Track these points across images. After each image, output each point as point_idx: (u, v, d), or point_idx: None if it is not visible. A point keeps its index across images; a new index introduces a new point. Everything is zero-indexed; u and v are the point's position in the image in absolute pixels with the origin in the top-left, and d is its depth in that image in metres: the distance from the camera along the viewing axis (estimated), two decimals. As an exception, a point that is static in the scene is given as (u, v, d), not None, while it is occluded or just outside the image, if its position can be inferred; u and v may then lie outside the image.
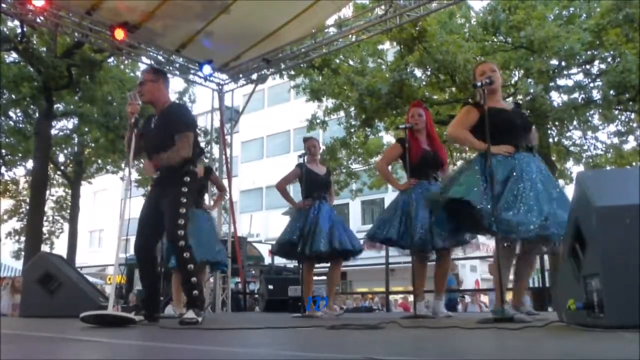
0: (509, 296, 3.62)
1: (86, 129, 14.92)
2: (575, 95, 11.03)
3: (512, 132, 3.23)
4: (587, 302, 2.16)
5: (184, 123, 3.64)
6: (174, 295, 5.48)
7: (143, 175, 14.79)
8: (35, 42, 11.89)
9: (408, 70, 11.19)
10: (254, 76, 8.95)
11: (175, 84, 15.84)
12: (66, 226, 16.98)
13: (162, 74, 3.97)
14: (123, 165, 16.37)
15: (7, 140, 14.16)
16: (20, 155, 15.31)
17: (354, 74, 11.62)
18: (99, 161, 16.84)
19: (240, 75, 8.82)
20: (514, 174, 3.10)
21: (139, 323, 3.34)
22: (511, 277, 3.47)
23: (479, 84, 3.23)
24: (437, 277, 4.32)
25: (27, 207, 13.86)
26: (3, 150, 14.67)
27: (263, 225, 26.15)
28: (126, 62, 13.85)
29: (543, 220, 2.91)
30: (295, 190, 5.46)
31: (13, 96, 12.69)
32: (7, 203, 18.02)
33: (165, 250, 5.26)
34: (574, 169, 12.92)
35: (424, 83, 11.80)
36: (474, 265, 20.83)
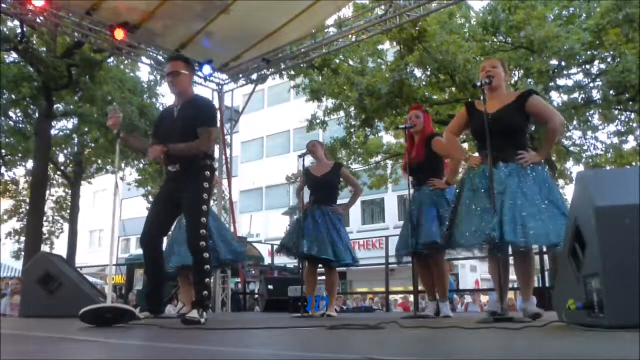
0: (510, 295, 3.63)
1: (86, 129, 14.94)
2: (575, 95, 11.05)
3: (484, 138, 3.10)
4: (587, 302, 2.16)
5: (211, 117, 3.55)
6: (184, 297, 5.43)
7: (143, 175, 14.80)
8: (35, 42, 11.90)
9: (408, 70, 11.20)
10: (254, 76, 8.94)
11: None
12: (66, 226, 16.99)
13: (192, 65, 3.87)
14: (123, 165, 16.39)
15: (7, 140, 14.17)
16: (20, 155, 15.33)
17: (354, 74, 11.63)
18: (99, 161, 16.86)
19: (240, 75, 8.82)
20: (476, 188, 3.18)
21: (143, 320, 3.33)
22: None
23: (478, 84, 3.22)
24: (434, 279, 4.34)
25: (27, 207, 13.87)
26: (3, 150, 14.69)
27: (263, 225, 26.16)
28: (126, 62, 13.86)
29: (490, 231, 2.94)
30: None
31: (13, 96, 12.70)
32: (7, 203, 18.04)
33: (166, 252, 5.24)
34: (574, 169, 12.93)
35: (423, 83, 11.82)
36: (474, 265, 20.86)
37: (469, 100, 3.39)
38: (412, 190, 4.34)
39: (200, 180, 3.46)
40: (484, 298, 11.96)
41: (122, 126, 3.61)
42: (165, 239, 5.37)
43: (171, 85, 3.60)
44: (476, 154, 3.46)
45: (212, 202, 6.90)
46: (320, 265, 4.95)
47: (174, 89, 3.61)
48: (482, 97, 3.19)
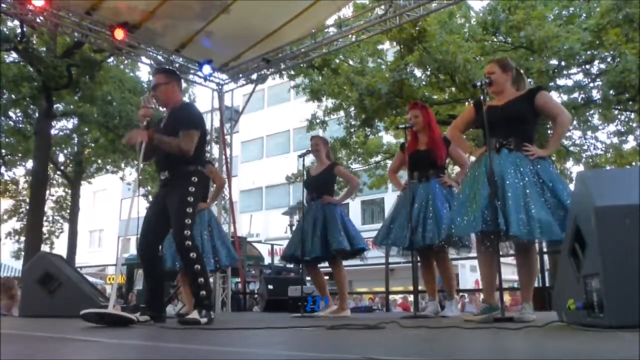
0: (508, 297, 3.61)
1: (86, 129, 14.94)
2: (575, 95, 11.04)
3: (490, 129, 3.13)
4: (587, 302, 2.16)
5: (189, 121, 3.61)
6: (185, 298, 5.43)
7: (144, 175, 14.80)
8: (35, 42, 11.89)
9: (408, 70, 11.19)
10: (254, 76, 8.94)
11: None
12: (66, 226, 16.99)
13: (175, 75, 3.93)
14: (123, 165, 16.40)
15: (7, 140, 14.17)
16: (20, 155, 15.34)
17: (354, 74, 11.62)
18: (99, 161, 16.86)
19: (240, 75, 8.82)
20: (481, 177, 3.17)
21: (145, 324, 3.33)
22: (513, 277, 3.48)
23: (478, 84, 3.25)
24: (442, 278, 4.36)
25: (27, 207, 13.87)
26: (3, 150, 14.69)
27: (263, 225, 26.15)
28: (126, 62, 13.86)
29: (484, 220, 2.95)
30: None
31: (13, 96, 12.70)
32: (7, 203, 18.03)
33: (165, 252, 5.25)
34: (574, 169, 12.92)
35: (423, 83, 11.81)
36: (474, 265, 20.83)
37: (478, 97, 3.37)
38: (412, 184, 4.29)
39: (187, 184, 3.55)
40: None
41: (152, 118, 3.68)
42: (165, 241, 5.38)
43: (155, 99, 3.71)
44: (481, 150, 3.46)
45: (214, 202, 6.89)
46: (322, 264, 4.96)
47: (157, 101, 3.74)
48: (482, 97, 3.23)
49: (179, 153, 3.52)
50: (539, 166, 3.10)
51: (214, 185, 5.54)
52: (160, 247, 3.76)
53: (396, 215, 4.31)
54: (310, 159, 5.10)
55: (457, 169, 4.87)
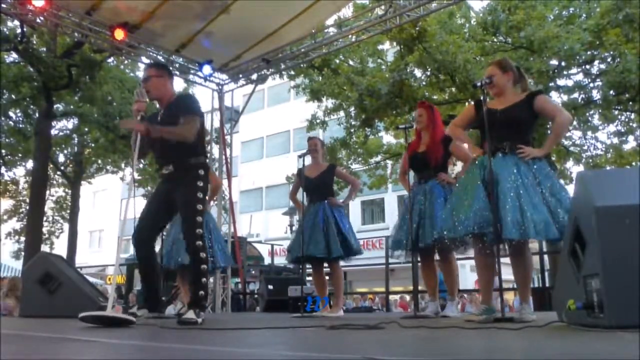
0: (509, 296, 3.60)
1: (86, 129, 14.94)
2: (575, 95, 11.04)
3: (489, 132, 3.12)
4: (587, 302, 2.16)
5: (189, 107, 3.53)
6: (184, 298, 5.43)
7: (143, 175, 14.81)
8: (35, 42, 11.89)
9: (408, 70, 11.20)
10: (254, 76, 8.95)
11: (175, 84, 15.87)
12: (66, 226, 16.99)
13: (166, 69, 3.89)
14: (123, 165, 16.40)
15: (7, 140, 14.17)
16: (20, 155, 15.34)
17: (354, 74, 11.62)
18: (99, 161, 16.86)
19: (240, 75, 8.82)
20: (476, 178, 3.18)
21: (145, 323, 3.32)
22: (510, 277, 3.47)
23: (478, 84, 3.25)
24: (444, 277, 4.37)
25: (27, 207, 13.86)
26: (3, 150, 14.69)
27: (263, 225, 26.15)
28: (126, 62, 13.86)
29: (476, 222, 2.96)
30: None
31: (13, 96, 12.71)
32: (7, 203, 18.03)
33: (166, 252, 5.26)
34: (574, 169, 12.92)
35: (423, 83, 11.81)
36: (474, 265, 20.84)
37: (479, 97, 3.36)
38: (414, 186, 4.32)
39: (195, 178, 3.43)
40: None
41: (146, 112, 3.60)
42: (164, 238, 5.39)
43: (146, 92, 3.61)
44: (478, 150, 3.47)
45: (212, 203, 6.90)
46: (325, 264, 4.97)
47: (149, 94, 3.62)
48: (482, 97, 3.22)
49: (182, 139, 3.38)
50: (535, 167, 3.10)
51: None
52: (155, 242, 3.67)
53: (402, 219, 4.38)
54: (309, 158, 5.10)
55: (457, 169, 4.86)
